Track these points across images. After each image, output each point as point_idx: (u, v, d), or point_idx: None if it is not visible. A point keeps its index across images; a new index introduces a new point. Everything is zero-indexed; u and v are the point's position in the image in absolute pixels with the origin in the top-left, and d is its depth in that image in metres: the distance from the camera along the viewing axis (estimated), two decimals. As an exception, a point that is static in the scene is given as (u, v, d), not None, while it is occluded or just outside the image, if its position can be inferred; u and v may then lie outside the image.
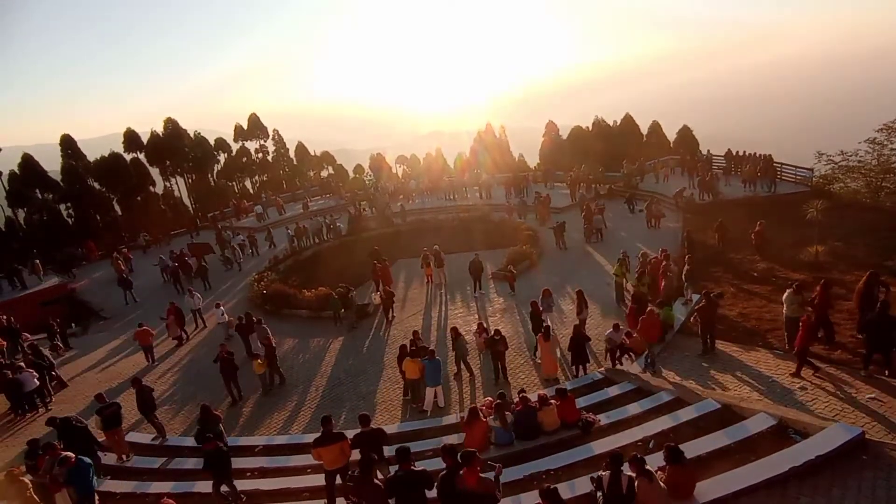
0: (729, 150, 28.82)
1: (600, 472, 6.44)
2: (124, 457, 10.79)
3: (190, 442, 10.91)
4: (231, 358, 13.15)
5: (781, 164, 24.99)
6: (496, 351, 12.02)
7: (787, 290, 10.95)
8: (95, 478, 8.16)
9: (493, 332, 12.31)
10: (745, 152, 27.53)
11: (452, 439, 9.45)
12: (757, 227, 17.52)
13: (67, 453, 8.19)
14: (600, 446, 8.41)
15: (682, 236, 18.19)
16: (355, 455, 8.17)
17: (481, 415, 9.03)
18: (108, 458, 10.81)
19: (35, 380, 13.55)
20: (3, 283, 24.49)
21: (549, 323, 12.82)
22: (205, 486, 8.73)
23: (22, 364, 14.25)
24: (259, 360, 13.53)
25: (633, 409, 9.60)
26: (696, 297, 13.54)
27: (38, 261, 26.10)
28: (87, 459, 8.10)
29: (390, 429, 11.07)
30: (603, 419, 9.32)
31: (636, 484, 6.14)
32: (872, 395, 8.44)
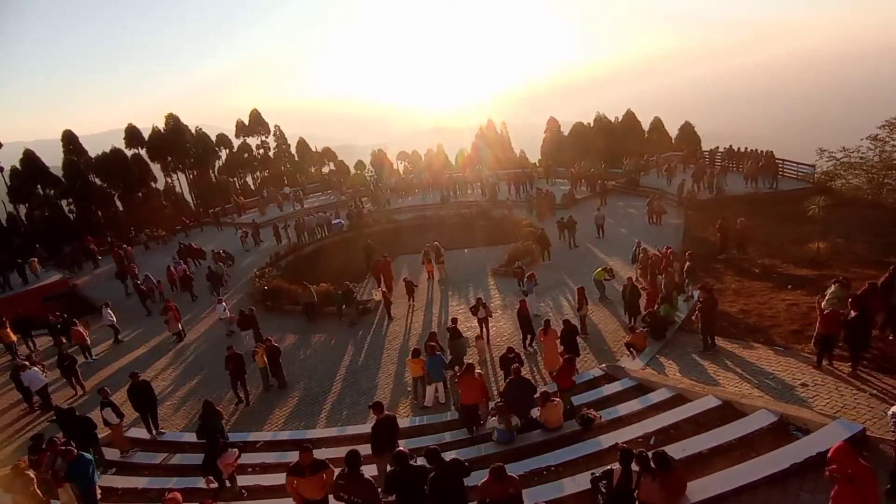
0: (730, 146, 28.76)
1: (610, 467, 6.44)
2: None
3: (191, 437, 10.93)
4: (240, 357, 13.00)
5: (783, 160, 24.92)
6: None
7: (834, 284, 10.37)
8: (97, 473, 8.15)
9: (506, 350, 11.52)
10: (746, 149, 27.47)
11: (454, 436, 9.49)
12: (719, 222, 17.40)
13: (69, 447, 8.21)
14: (601, 443, 8.43)
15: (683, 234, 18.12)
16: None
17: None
18: (111, 454, 10.87)
19: (42, 377, 13.43)
20: (10, 276, 24.61)
21: (545, 316, 12.82)
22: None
23: (26, 363, 14.12)
24: (259, 352, 13.56)
25: (634, 405, 9.60)
26: (697, 294, 13.51)
27: (34, 259, 26.07)
28: (88, 455, 8.11)
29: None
30: (603, 416, 9.33)
31: (640, 480, 6.16)
32: (874, 392, 8.43)
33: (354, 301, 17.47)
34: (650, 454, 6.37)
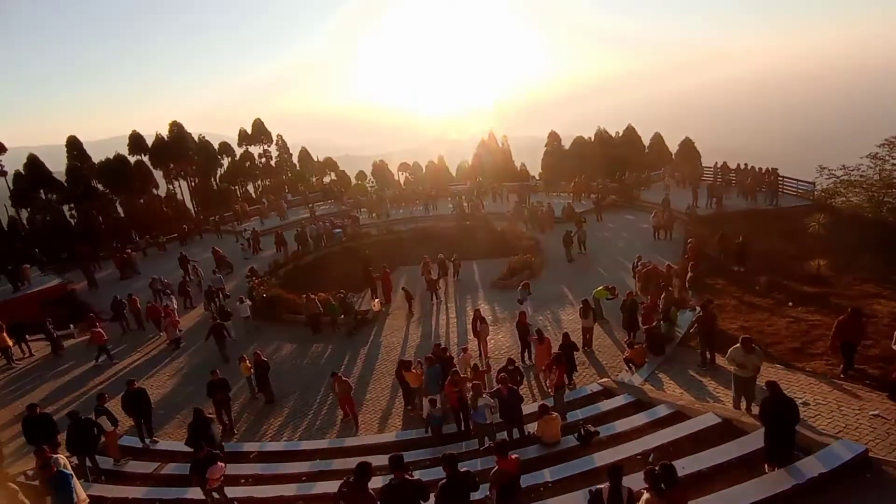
0: (724, 163, 28.85)
1: (599, 487, 6.34)
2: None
3: (184, 447, 10.78)
4: (225, 384, 12.25)
5: (783, 177, 25.01)
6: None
7: (735, 345, 8.86)
8: (74, 492, 7.93)
9: (506, 362, 11.56)
10: (747, 165, 27.47)
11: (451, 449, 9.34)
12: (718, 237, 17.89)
13: (58, 456, 8.11)
14: (599, 459, 8.31)
15: (688, 246, 18.01)
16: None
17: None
18: (104, 462, 10.72)
19: None
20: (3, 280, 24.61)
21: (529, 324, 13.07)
22: (197, 493, 8.61)
23: None
24: (247, 363, 13.47)
25: (633, 422, 9.51)
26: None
27: (26, 266, 25.91)
28: (68, 470, 7.97)
29: (387, 437, 11.01)
30: (602, 432, 9.22)
31: (646, 498, 6.03)
32: (876, 412, 8.32)
33: (353, 311, 17.40)
34: (657, 467, 6.29)
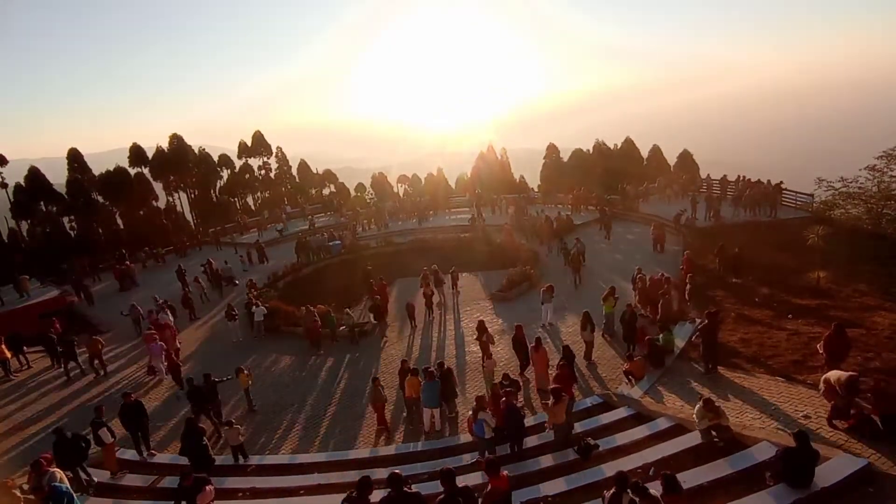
0: (724, 176, 29.02)
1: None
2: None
3: (182, 459, 10.69)
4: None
5: (785, 189, 25.14)
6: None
7: (697, 405, 8.81)
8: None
9: (501, 378, 11.58)
10: (744, 177, 27.63)
11: (449, 462, 9.28)
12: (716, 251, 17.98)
13: (54, 470, 8.05)
14: (599, 473, 8.25)
15: (683, 257, 18.05)
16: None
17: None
18: (101, 475, 10.63)
19: None
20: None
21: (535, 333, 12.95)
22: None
23: None
24: (245, 373, 13.38)
25: (633, 435, 9.47)
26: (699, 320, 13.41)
27: (25, 277, 25.82)
28: (65, 486, 7.93)
29: (386, 450, 10.93)
30: (602, 445, 9.16)
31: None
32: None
33: (379, 312, 17.70)
34: (662, 476, 6.35)
